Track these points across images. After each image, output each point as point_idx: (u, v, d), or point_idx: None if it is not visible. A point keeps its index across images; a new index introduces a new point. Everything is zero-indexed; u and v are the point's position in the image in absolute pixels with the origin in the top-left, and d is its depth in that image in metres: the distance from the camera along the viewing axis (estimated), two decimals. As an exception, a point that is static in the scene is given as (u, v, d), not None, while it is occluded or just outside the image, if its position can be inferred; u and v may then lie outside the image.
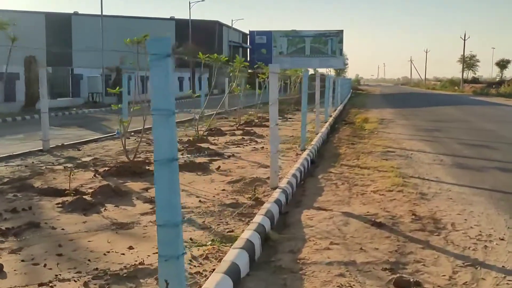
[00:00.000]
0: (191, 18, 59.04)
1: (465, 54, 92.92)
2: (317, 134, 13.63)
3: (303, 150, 10.50)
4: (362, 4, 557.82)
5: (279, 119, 20.28)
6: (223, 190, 6.93)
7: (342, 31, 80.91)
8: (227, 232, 5.02)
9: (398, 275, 4.05)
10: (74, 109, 25.24)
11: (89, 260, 4.18)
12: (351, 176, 8.30)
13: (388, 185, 7.53)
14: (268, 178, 7.54)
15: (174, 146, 3.00)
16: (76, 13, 65.94)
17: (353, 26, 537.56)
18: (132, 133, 14.01)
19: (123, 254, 4.34)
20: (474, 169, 9.28)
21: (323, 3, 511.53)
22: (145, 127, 9.06)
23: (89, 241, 4.68)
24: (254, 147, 11.32)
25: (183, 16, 55.17)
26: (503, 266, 4.33)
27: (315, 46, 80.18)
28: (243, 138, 12.90)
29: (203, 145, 11.25)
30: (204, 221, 5.38)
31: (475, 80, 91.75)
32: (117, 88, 11.63)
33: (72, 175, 6.98)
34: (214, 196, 6.52)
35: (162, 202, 3.03)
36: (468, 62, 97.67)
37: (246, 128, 15.89)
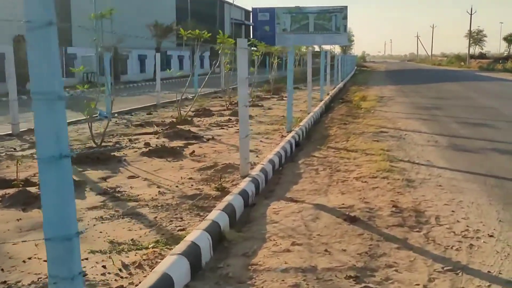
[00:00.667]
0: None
1: (472, 29, 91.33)
2: (308, 113, 12.98)
3: (289, 131, 9.85)
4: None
5: (275, 97, 19.66)
6: (190, 178, 6.32)
7: (346, 7, 79.43)
8: (178, 230, 4.42)
9: (363, 285, 3.44)
10: (67, 90, 24.55)
11: (1, 269, 3.58)
12: (335, 161, 7.66)
13: (373, 170, 6.89)
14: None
15: (63, 140, 2.37)
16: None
17: (359, 2, 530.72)
18: (116, 114, 13.42)
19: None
20: (470, 151, 8.62)
21: None
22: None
23: (14, 243, 4.07)
24: (237, 130, 10.66)
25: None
26: (488, 271, 3.71)
27: (319, 23, 78.84)
28: (229, 119, 12.26)
29: (184, 127, 10.62)
30: (156, 217, 4.77)
31: (482, 56, 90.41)
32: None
33: (19, 164, 6.35)
34: (177, 186, 5.91)
35: (50, 211, 2.41)
36: (475, 37, 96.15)
37: (236, 108, 15.23)
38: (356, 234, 4.42)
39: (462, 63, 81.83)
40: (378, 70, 67.39)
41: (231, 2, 67.46)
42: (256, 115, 13.33)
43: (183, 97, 19.54)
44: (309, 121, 11.56)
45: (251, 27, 79.22)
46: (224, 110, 14.62)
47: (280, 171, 7.08)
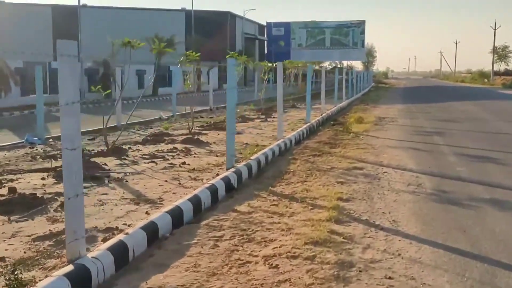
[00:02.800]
0: (202, 9, 56.43)
1: (497, 45, 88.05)
2: (278, 140, 10.73)
3: (230, 168, 7.57)
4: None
5: (262, 118, 17.41)
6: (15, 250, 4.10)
7: (364, 21, 77.14)
8: None
9: None
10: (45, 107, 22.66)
11: None
12: (259, 220, 5.37)
13: (301, 242, 4.60)
14: (106, 229, 4.74)
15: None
16: (84, 5, 63.82)
17: (382, 17, 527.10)
18: (50, 140, 11.34)
19: None
20: (460, 204, 6.23)
21: None
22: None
23: None
24: (170, 164, 8.40)
25: (195, 7, 52.18)
26: None
27: (336, 38, 76.62)
28: (175, 148, 10.01)
29: (102, 160, 8.43)
30: None
31: (507, 72, 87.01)
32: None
33: None
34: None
35: None
36: (500, 53, 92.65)
37: (202, 131, 13.07)
38: None
39: (486, 80, 78.64)
40: (396, 87, 64.78)
41: (245, 17, 65.74)
42: (214, 142, 11.10)
43: (164, 117, 17.70)
44: (270, 152, 9.26)
45: (265, 42, 77.27)
46: (184, 134, 12.41)
47: (165, 240, 4.80)
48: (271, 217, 5.49)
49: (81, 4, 62.78)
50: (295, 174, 7.92)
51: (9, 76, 22.00)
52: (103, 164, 8.06)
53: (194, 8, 53.71)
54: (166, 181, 6.98)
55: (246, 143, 10.86)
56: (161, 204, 5.76)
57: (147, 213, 5.35)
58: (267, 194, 6.59)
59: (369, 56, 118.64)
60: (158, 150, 9.80)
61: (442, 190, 6.88)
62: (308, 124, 14.22)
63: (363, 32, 76.74)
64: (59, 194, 6.07)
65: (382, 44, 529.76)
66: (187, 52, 13.38)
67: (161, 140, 11.18)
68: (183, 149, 9.88)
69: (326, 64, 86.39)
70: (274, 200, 6.26)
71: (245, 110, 21.48)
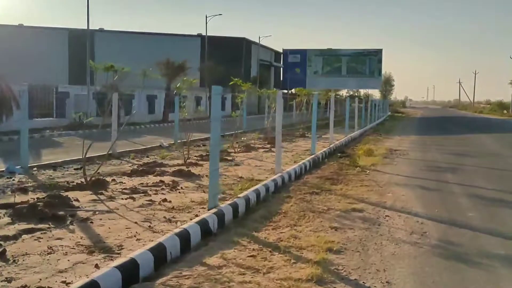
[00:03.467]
0: (218, 35, 56.25)
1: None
2: (275, 174, 9.94)
3: (212, 208, 6.77)
4: (406, 22, 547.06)
5: (265, 148, 16.63)
6: None
7: (381, 50, 76.54)
8: None
9: None
10: (48, 131, 22.21)
11: None
12: (224, 279, 4.55)
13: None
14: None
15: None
16: (101, 30, 64.17)
17: (400, 47, 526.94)
18: (35, 169, 10.68)
19: None
20: (470, 262, 5.36)
21: (362, 21, 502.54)
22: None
23: None
24: (149, 201, 7.63)
25: (210, 33, 51.92)
26: None
27: (352, 66, 76.03)
28: (161, 181, 9.26)
29: (76, 194, 7.70)
30: None
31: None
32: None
33: None
34: None
35: None
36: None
37: (199, 161, 12.33)
38: None
39: (505, 112, 77.19)
40: (413, 116, 63.75)
41: (261, 43, 65.51)
42: (207, 174, 10.29)
43: (165, 145, 16.94)
44: (262, 189, 8.46)
45: (281, 69, 76.93)
46: (179, 165, 11.68)
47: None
48: (243, 274, 4.67)
49: (97, 28, 63.32)
50: (286, 215, 7.10)
51: (12, 99, 21.48)
52: (74, 200, 7.32)
53: (210, 34, 53.55)
54: (136, 222, 6.21)
55: (241, 177, 10.08)
56: (119, 253, 4.98)
57: (96, 266, 4.57)
58: (248, 241, 5.79)
59: (387, 85, 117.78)
60: (142, 183, 9.06)
61: (449, 241, 6.01)
62: (312, 156, 13.41)
63: (380, 61, 76.11)
64: (6, 238, 5.33)
65: (400, 73, 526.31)
66: (185, 78, 12.76)
67: (150, 172, 10.45)
68: (170, 183, 9.13)
69: (344, 92, 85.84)
70: (253, 250, 5.45)
71: (252, 138, 20.74)
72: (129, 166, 11.65)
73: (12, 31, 59.82)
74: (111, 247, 5.14)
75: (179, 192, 8.39)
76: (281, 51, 78.02)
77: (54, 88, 26.44)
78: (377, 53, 76.28)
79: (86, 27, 36.18)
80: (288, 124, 29.91)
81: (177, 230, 5.54)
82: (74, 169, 10.85)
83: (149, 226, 6.06)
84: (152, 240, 5.29)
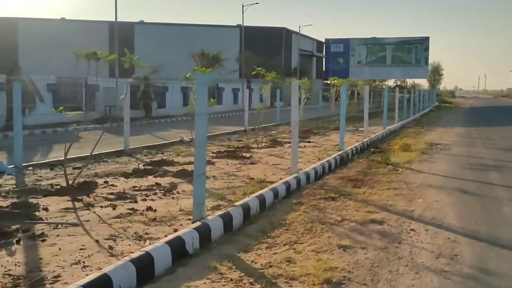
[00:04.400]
0: (257, 25, 55.09)
1: None
2: (291, 175, 8.76)
3: (198, 221, 5.63)
4: (456, 7, 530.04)
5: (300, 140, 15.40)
6: None
7: (428, 38, 73.71)
8: None
9: None
10: (75, 125, 21.57)
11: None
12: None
13: None
14: None
15: None
16: (142, 22, 63.99)
17: (449, 34, 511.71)
18: (30, 168, 9.83)
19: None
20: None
21: (408, 8, 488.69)
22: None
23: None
24: (131, 210, 6.55)
25: (250, 23, 50.76)
26: None
27: (397, 55, 73.57)
28: (157, 184, 8.20)
29: (53, 200, 6.72)
30: None
31: None
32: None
33: None
34: None
35: None
36: None
37: (213, 159, 11.25)
38: None
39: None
40: (461, 106, 61.02)
41: (302, 33, 63.93)
42: (214, 175, 9.20)
43: (186, 139, 15.84)
44: (269, 194, 7.27)
45: (323, 59, 75.12)
46: (191, 163, 10.63)
47: None
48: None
49: (137, 20, 63.18)
50: (289, 228, 5.92)
51: (34, 93, 20.97)
52: (43, 209, 6.33)
53: (249, 25, 52.37)
54: (97, 241, 5.14)
55: (252, 178, 8.93)
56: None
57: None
58: (230, 266, 4.65)
59: (435, 74, 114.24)
60: (136, 186, 8.02)
61: (486, 269, 4.69)
62: (340, 152, 12.12)
63: (426, 49, 73.32)
64: None
65: (450, 62, 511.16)
66: (196, 67, 11.70)
67: (152, 172, 9.43)
68: (167, 185, 8.06)
69: (391, 82, 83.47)
70: (230, 281, 4.30)
71: (281, 132, 19.55)
72: (135, 165, 10.66)
73: (55, 25, 60.31)
74: (43, 280, 4.07)
75: (172, 198, 7.30)
76: (323, 40, 76.14)
77: (83, 81, 25.83)
78: (424, 41, 73.51)
79: (125, 20, 35.52)
80: (325, 116, 28.67)
81: (136, 255, 4.43)
82: (73, 168, 9.90)
83: (110, 246, 4.97)
84: (100, 268, 4.20)
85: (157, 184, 8.17)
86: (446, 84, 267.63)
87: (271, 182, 8.27)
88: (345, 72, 68.73)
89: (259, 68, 14.77)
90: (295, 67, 58.80)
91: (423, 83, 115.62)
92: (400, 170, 10.49)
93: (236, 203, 6.46)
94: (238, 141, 16.31)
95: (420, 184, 8.90)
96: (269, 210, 6.86)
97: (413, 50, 73.07)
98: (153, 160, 11.21)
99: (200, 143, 5.81)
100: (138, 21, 63.79)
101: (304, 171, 9.22)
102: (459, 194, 8.13)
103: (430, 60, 78.13)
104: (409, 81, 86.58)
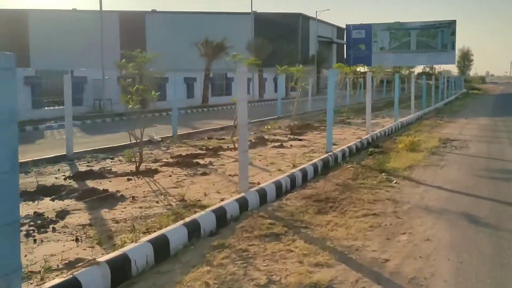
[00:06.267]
0: (272, 11, 52.54)
1: None
2: (238, 194, 6.44)
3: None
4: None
5: (279, 142, 13.00)
6: None
7: (454, 21, 69.98)
8: None
9: None
10: (53, 121, 19.56)
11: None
12: None
13: None
14: None
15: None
16: (154, 11, 61.97)
17: (480, 17, 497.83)
18: None
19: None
20: None
21: None
22: None
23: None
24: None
25: (265, 9, 48.30)
26: None
27: (422, 40, 70.06)
28: (33, 215, 5.93)
29: None
30: None
31: None
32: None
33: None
34: None
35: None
36: None
37: (157, 169, 8.96)
38: None
39: None
40: (491, 93, 57.55)
41: (320, 19, 61.06)
42: (133, 196, 6.89)
43: (157, 138, 13.52)
44: (173, 235, 4.93)
45: (344, 46, 72.05)
46: (127, 174, 8.37)
47: None
48: None
49: (149, 10, 61.19)
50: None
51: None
52: None
53: (264, 11, 49.89)
54: None
55: (182, 199, 6.60)
56: None
57: None
58: None
59: (465, 60, 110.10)
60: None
61: None
62: (324, 156, 9.70)
63: (453, 33, 69.62)
64: None
65: (481, 47, 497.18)
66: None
67: (58, 190, 7.17)
68: (48, 218, 5.79)
69: (420, 69, 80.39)
70: None
71: (277, 127, 17.16)
72: (59, 177, 8.44)
73: (66, 16, 58.87)
74: None
75: (34, 241, 5.02)
76: (344, 27, 73.04)
77: (68, 72, 23.74)
78: (450, 24, 69.80)
79: (136, 10, 33.48)
80: (337, 106, 25.88)
81: None
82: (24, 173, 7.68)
83: None
84: None
85: (37, 214, 5.89)
86: (477, 70, 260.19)
87: (205, 207, 5.95)
88: (367, 59, 65.84)
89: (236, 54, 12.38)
90: (313, 55, 56.05)
91: (453, 69, 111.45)
92: (395, 180, 8.04)
93: (106, 256, 4.16)
94: (219, 139, 13.98)
95: (414, 206, 6.46)
96: (170, 260, 4.54)
97: (439, 35, 69.42)
98: (87, 169, 8.98)
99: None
100: (150, 10, 61.74)
101: (258, 187, 6.85)
102: (465, 227, 5.65)
103: (459, 46, 74.74)
104: (437, 68, 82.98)
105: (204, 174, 8.44)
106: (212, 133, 15.69)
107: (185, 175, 8.39)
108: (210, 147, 11.95)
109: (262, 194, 6.70)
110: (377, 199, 6.81)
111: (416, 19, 75.60)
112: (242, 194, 6.45)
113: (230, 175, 8.36)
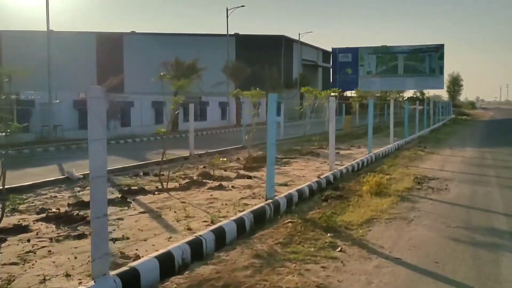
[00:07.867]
0: (254, 33, 50.79)
1: None
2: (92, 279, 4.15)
3: None
4: (475, 15, 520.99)
5: (219, 182, 10.69)
6: None
7: (442, 45, 68.41)
8: None
9: None
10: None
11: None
12: None
13: None
14: None
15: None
16: (133, 32, 60.07)
17: (469, 44, 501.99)
18: None
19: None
20: None
21: (422, 14, 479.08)
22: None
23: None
24: None
25: (251, 31, 46.53)
26: None
27: (410, 64, 68.28)
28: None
29: None
30: None
31: None
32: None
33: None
34: None
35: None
36: None
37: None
38: None
39: None
40: (480, 119, 55.79)
41: (304, 42, 59.35)
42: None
43: (77, 176, 11.12)
44: None
45: (330, 69, 70.34)
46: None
47: None
48: None
49: (129, 31, 59.33)
50: None
51: None
52: None
53: (249, 33, 48.10)
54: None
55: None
56: None
57: None
58: None
59: (454, 85, 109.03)
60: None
61: None
62: (258, 206, 7.47)
63: (441, 57, 67.98)
64: None
65: (471, 72, 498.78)
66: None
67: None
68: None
69: (410, 94, 79.03)
70: None
71: (238, 158, 14.98)
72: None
73: (41, 37, 56.78)
74: None
75: None
76: (330, 50, 71.43)
77: (14, 96, 21.49)
78: (438, 48, 68.22)
79: (114, 31, 31.44)
80: (313, 133, 23.38)
81: None
82: None
83: None
84: None
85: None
86: (467, 95, 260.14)
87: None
88: (354, 83, 64.00)
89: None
90: (296, 78, 54.18)
91: (444, 94, 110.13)
92: (340, 248, 5.82)
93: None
94: (156, 175, 11.68)
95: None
96: None
97: (426, 59, 67.73)
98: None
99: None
100: (129, 31, 59.84)
101: (123, 270, 4.60)
102: None
103: (449, 70, 72.91)
104: (426, 93, 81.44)
105: (79, 237, 6.16)
106: (154, 167, 13.38)
107: (54, 238, 6.11)
108: (133, 188, 9.72)
109: (130, 279, 4.45)
110: (301, 287, 4.56)
111: (403, 42, 74.44)
112: (92, 283, 4.20)
113: (114, 240, 6.06)
